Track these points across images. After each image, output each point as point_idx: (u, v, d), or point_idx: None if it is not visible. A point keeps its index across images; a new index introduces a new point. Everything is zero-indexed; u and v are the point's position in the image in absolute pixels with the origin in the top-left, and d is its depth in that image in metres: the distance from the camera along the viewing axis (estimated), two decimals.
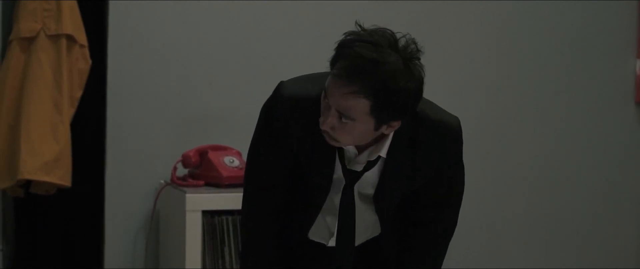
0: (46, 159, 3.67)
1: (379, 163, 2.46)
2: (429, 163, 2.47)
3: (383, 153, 2.43)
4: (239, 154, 3.92)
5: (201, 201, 3.71)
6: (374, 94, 2.23)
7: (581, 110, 4.59)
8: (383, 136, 2.42)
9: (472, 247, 4.46)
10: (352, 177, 2.48)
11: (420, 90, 2.31)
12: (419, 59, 2.29)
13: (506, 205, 4.52)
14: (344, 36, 2.28)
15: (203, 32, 4.05)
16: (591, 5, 4.55)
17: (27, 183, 3.79)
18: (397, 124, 2.35)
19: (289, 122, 2.43)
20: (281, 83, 2.47)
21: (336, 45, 2.29)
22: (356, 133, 2.32)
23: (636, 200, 4.72)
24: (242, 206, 2.61)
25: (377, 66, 2.22)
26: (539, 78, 4.52)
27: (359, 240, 2.61)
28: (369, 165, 2.46)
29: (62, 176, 3.72)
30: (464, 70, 4.39)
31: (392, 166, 2.45)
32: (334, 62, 2.29)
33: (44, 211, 3.96)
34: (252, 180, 2.57)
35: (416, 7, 4.25)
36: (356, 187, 2.51)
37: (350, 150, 2.44)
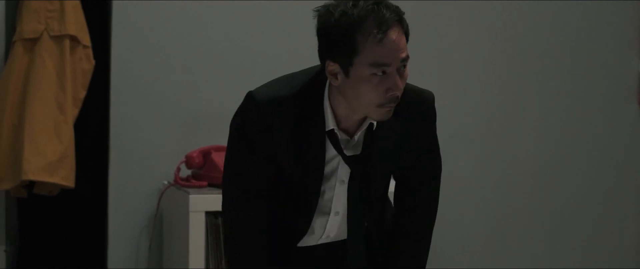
0: (49, 159, 3.67)
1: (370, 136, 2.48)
2: (413, 133, 2.51)
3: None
4: None
5: (204, 202, 3.71)
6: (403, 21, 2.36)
7: (584, 110, 4.59)
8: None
9: (473, 247, 4.46)
10: (356, 163, 2.48)
11: None
12: None
13: (507, 204, 4.52)
14: (339, 16, 2.30)
15: (207, 33, 4.05)
16: (594, 5, 4.55)
17: (31, 184, 3.79)
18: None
19: (267, 125, 2.42)
20: (249, 93, 2.48)
21: (346, 21, 2.30)
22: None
23: (638, 200, 4.71)
24: (226, 215, 2.56)
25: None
26: (541, 78, 4.52)
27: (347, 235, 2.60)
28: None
29: (65, 176, 3.72)
30: (465, 70, 4.39)
31: (381, 134, 2.47)
32: (350, 41, 2.30)
33: (48, 212, 3.95)
34: (232, 191, 2.52)
35: (417, 7, 4.25)
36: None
37: (342, 137, 2.45)
